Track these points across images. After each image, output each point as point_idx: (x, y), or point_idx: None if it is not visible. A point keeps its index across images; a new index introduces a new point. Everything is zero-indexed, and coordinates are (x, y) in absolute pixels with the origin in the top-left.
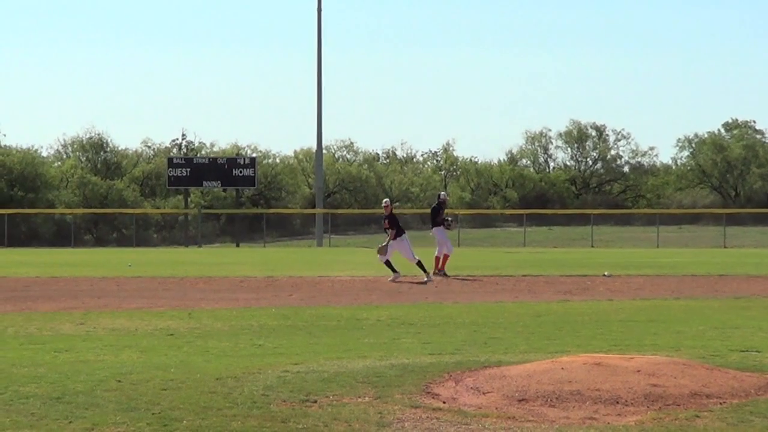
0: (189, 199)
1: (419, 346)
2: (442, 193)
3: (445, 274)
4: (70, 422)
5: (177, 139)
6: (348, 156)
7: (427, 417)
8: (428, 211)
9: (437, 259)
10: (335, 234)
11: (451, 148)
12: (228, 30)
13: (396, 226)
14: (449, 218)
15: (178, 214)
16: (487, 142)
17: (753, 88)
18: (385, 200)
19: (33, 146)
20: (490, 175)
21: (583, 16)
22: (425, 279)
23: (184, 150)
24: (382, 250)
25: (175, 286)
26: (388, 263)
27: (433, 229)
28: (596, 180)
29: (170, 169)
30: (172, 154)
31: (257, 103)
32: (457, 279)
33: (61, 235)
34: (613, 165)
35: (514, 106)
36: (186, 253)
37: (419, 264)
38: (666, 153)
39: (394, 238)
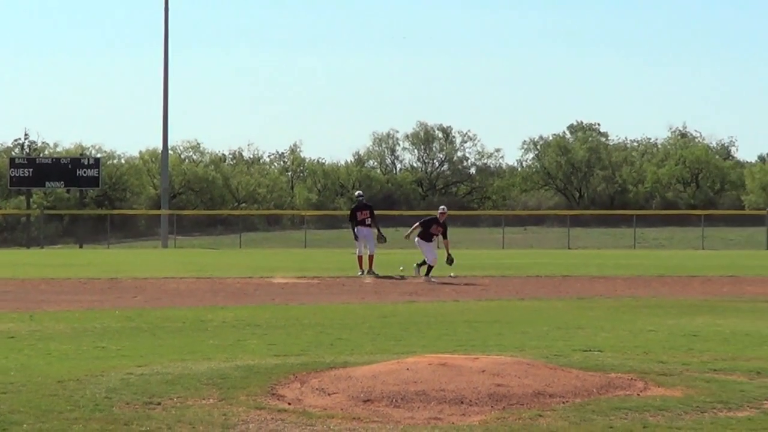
0: (31, 200)
1: (265, 348)
2: (359, 192)
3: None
4: None
5: (19, 138)
6: (194, 157)
7: (272, 418)
8: (275, 212)
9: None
10: (181, 235)
11: (298, 150)
12: (73, 28)
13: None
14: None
15: (20, 215)
16: (335, 143)
17: (597, 90)
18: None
19: None
20: (337, 177)
21: (428, 17)
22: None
23: (27, 150)
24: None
25: (15, 287)
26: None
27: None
28: (443, 181)
29: (12, 169)
30: (13, 153)
31: (102, 103)
32: (303, 281)
33: None
34: (460, 167)
35: (362, 107)
36: (28, 255)
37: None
38: (511, 155)
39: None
